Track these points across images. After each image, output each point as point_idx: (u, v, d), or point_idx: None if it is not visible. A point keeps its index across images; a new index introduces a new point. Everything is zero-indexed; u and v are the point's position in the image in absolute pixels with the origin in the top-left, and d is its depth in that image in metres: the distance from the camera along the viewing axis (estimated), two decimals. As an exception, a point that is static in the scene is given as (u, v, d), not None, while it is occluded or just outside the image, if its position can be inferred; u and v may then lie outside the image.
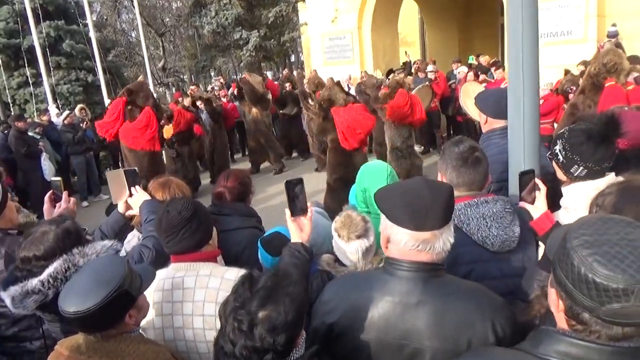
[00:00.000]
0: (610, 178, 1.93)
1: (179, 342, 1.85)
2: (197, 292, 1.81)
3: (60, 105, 13.20)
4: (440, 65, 13.64)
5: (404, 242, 1.39)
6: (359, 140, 6.67)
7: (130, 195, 2.36)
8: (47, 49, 13.44)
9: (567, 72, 8.05)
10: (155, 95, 9.57)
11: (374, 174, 2.43)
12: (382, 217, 1.46)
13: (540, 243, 1.94)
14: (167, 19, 23.91)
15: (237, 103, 11.83)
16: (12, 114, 11.43)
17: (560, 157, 1.96)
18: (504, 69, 10.39)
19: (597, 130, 1.87)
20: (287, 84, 11.10)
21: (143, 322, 1.76)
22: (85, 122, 10.20)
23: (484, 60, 11.70)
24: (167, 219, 1.83)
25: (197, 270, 1.85)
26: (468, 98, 9.92)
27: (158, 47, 22.99)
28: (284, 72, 14.57)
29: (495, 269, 1.83)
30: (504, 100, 2.88)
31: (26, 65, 13.49)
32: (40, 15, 13.62)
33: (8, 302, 1.77)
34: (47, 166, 9.28)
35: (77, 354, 1.48)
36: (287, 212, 1.88)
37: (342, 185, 6.34)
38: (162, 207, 1.91)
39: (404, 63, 12.27)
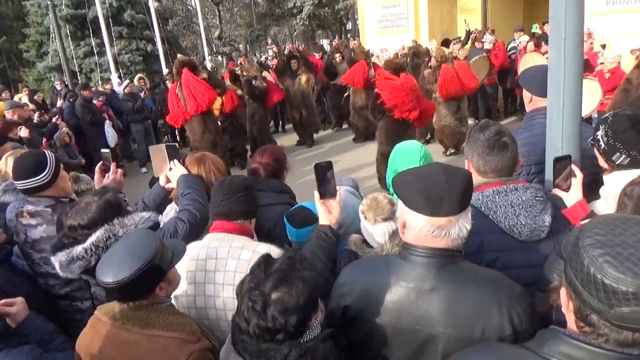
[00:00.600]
0: None
1: (210, 310, 1.95)
2: (229, 263, 1.90)
3: (122, 75, 13.78)
4: (503, 34, 12.91)
5: (419, 228, 1.39)
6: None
7: (170, 169, 2.47)
8: (110, 19, 13.98)
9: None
10: (210, 64, 9.76)
11: (406, 155, 2.40)
12: (399, 202, 1.46)
13: None
14: (224, -13, 24.02)
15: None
16: (79, 82, 12.09)
17: (602, 143, 1.85)
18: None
19: None
20: (337, 55, 10.91)
21: (177, 291, 1.87)
22: (143, 92, 10.59)
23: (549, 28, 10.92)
24: (230, 181, 2.00)
25: (231, 242, 1.94)
26: (528, 70, 9.50)
27: (215, 15, 23.25)
28: (333, 42, 14.32)
29: (522, 258, 1.78)
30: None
31: (91, 35, 14.13)
32: (104, -15, 14.12)
33: (57, 266, 1.94)
34: (110, 133, 9.80)
35: (112, 320, 1.61)
36: (316, 194, 1.92)
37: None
38: (220, 178, 2.06)
39: (466, 32, 11.71)
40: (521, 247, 1.79)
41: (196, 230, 2.17)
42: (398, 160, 2.43)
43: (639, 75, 4.74)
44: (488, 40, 10.38)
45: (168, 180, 2.51)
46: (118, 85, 11.49)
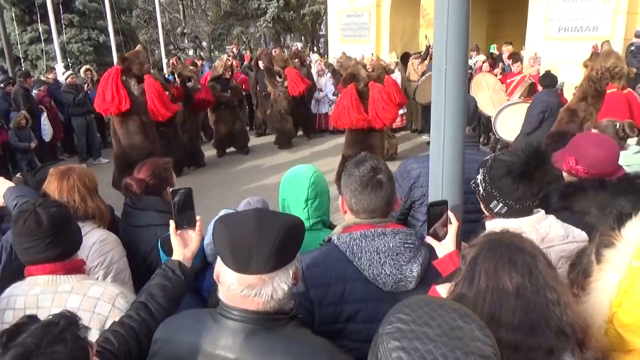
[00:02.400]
0: (537, 218, 1.65)
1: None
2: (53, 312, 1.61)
3: (70, 64, 13.13)
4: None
5: (228, 285, 1.18)
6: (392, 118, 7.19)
7: None
8: (60, 6, 13.32)
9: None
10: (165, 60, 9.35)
11: (293, 182, 2.18)
12: None
13: None
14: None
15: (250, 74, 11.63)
16: (23, 69, 11.42)
17: (480, 189, 1.69)
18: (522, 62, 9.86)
19: (519, 163, 1.59)
20: (296, 60, 10.73)
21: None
22: (87, 84, 10.08)
23: (507, 50, 11.04)
24: (34, 221, 1.61)
25: (57, 285, 1.64)
26: (479, 90, 9.54)
27: (179, 10, 22.68)
28: (293, 47, 14.15)
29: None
30: (467, 105, 2.60)
31: (39, 21, 13.41)
32: (55, -31, 13.45)
33: None
34: (47, 126, 9.27)
35: None
36: (172, 223, 1.65)
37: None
38: (29, 206, 1.70)
39: (426, 47, 11.74)
40: (388, 297, 1.60)
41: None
42: (286, 188, 2.21)
43: (587, 107, 4.63)
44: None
45: None
46: (62, 75, 10.93)
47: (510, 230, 1.24)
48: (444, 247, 1.62)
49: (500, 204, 1.63)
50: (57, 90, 9.90)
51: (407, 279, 1.57)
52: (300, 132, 11.42)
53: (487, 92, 9.14)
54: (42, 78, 10.73)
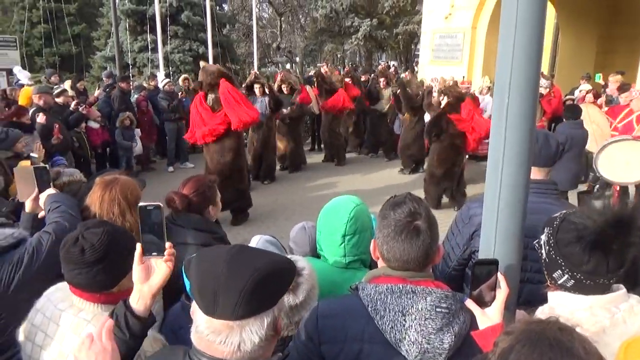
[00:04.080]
0: (615, 298, 1.30)
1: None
2: (67, 337, 1.51)
3: (170, 73, 14.06)
4: (569, 80, 12.03)
5: (197, 326, 1.04)
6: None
7: (40, 193, 2.20)
8: (168, 18, 14.36)
9: None
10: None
11: (332, 215, 1.98)
12: None
13: None
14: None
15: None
16: (130, 75, 12.44)
17: (543, 252, 1.37)
18: (635, 93, 8.78)
19: (592, 230, 1.24)
20: (382, 79, 10.55)
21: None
22: (182, 92, 10.67)
23: (616, 80, 9.94)
24: (79, 250, 1.51)
25: (83, 311, 1.54)
26: (580, 122, 8.67)
27: (276, 26, 23.50)
28: (379, 66, 13.97)
29: (411, 383, 1.34)
30: (548, 143, 2.26)
31: (149, 31, 14.55)
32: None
33: None
34: (137, 135, 9.76)
35: None
36: (138, 248, 1.35)
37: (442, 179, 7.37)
38: (73, 233, 1.58)
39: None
40: (412, 367, 1.35)
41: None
42: (323, 220, 2.02)
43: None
44: (543, 85, 9.64)
45: (36, 206, 2.23)
46: (161, 83, 11.69)
47: (560, 320, 0.94)
48: (488, 317, 1.33)
49: (566, 276, 1.30)
50: (155, 97, 10.58)
51: (436, 351, 1.30)
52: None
53: (589, 125, 8.30)
54: (144, 84, 11.58)
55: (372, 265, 2.27)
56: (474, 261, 2.43)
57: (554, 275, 1.34)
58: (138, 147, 9.74)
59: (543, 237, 1.39)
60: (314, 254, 2.68)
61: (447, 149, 7.23)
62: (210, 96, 6.65)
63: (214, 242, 2.41)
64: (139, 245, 1.34)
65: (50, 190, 2.19)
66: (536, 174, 2.02)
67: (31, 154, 2.67)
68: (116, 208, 2.14)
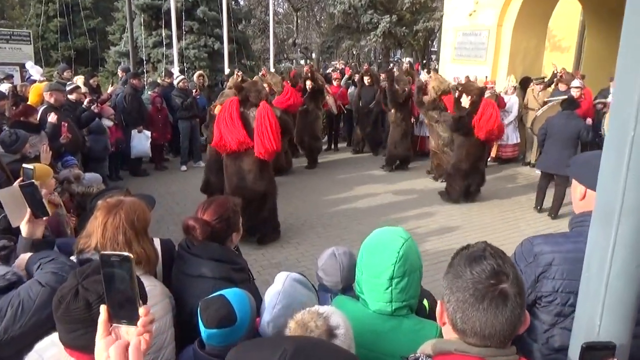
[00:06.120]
0: None
1: None
2: None
3: (185, 69, 13.79)
4: (597, 80, 11.50)
5: None
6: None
7: (33, 214, 1.90)
8: (183, 13, 14.08)
9: None
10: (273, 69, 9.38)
11: (377, 254, 1.66)
12: None
13: None
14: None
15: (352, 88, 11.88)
16: (145, 70, 12.20)
17: None
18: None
19: None
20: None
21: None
22: (196, 90, 10.38)
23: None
24: (84, 304, 1.25)
25: None
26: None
27: (292, 22, 23.13)
28: (403, 65, 13.55)
29: None
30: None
31: (164, 26, 14.29)
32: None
33: None
34: (145, 137, 9.48)
35: None
36: (102, 310, 1.00)
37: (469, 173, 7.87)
38: (67, 284, 1.30)
39: (552, 73, 10.49)
40: None
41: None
42: (365, 260, 1.69)
43: None
44: (575, 86, 9.14)
45: (33, 229, 1.93)
46: (175, 79, 11.40)
47: None
48: None
49: None
50: (169, 93, 10.29)
51: None
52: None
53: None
54: (159, 81, 11.31)
55: (419, 311, 1.94)
56: (539, 307, 2.10)
57: None
58: (147, 150, 9.45)
59: None
60: (346, 283, 2.36)
61: (475, 145, 7.69)
62: (249, 111, 5.91)
63: (234, 274, 2.09)
64: (103, 309, 0.98)
65: (26, 255, 1.84)
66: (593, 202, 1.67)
67: (24, 166, 2.36)
68: (121, 237, 1.84)
